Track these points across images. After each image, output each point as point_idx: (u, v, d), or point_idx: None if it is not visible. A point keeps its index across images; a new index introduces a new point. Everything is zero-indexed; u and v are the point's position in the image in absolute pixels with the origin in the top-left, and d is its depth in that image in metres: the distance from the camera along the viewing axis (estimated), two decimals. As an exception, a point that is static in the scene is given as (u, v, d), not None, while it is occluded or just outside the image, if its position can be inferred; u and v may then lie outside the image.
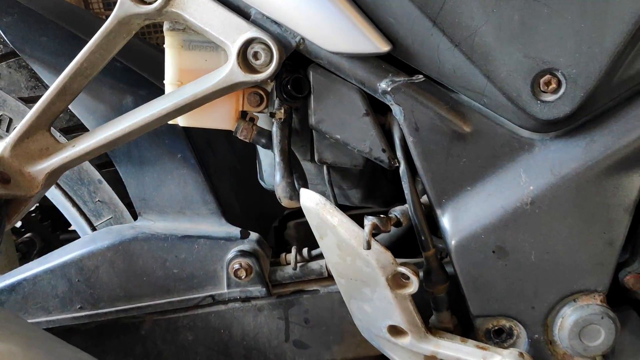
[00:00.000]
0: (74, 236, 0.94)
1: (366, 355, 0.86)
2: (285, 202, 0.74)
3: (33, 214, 1.32)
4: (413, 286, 0.70)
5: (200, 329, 0.84)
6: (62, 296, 0.83)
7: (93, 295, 0.83)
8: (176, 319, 0.84)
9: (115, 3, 0.65)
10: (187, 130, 0.84)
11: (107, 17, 0.67)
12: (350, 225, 0.70)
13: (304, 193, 0.71)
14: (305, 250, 0.86)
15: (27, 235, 1.30)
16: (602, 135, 0.68)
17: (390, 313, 0.73)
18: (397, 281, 0.71)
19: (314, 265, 0.85)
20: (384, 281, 0.70)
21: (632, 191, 0.68)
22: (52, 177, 0.65)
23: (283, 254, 0.87)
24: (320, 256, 0.86)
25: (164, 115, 0.67)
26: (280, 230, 1.14)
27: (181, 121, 0.75)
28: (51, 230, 1.33)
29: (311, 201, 0.71)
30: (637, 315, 0.79)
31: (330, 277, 0.85)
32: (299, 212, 1.15)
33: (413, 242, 0.76)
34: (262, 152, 0.83)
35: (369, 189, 0.85)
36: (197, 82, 0.69)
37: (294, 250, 0.85)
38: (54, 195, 0.92)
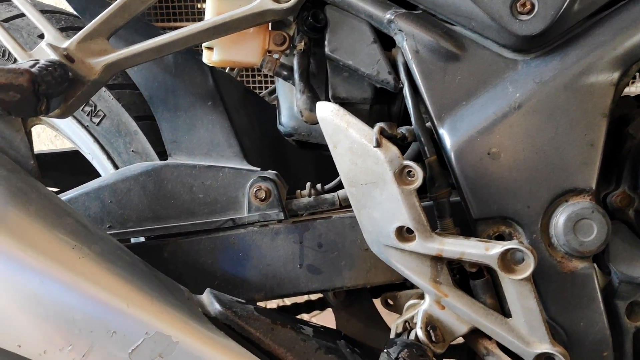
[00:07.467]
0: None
1: (375, 282, 0.90)
2: (305, 114, 0.84)
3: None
4: (418, 179, 0.78)
5: (219, 252, 0.89)
6: (94, 216, 0.89)
7: (123, 216, 0.89)
8: (198, 241, 0.90)
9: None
10: (217, 85, 0.97)
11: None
12: (362, 126, 0.80)
13: (320, 104, 0.82)
14: (319, 186, 0.94)
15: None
16: (573, 50, 0.80)
17: (397, 213, 0.80)
18: (403, 178, 0.79)
19: (328, 196, 0.93)
20: (391, 176, 0.78)
21: (605, 98, 0.79)
22: (108, 70, 0.76)
23: (298, 190, 0.95)
24: (332, 190, 0.94)
25: (204, 30, 0.80)
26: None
27: (215, 55, 0.88)
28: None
29: (326, 109, 0.81)
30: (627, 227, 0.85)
31: (342, 207, 0.92)
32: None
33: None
34: (281, 95, 0.95)
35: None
36: (233, 10, 0.83)
37: (308, 184, 0.93)
38: (91, 149, 1.02)
